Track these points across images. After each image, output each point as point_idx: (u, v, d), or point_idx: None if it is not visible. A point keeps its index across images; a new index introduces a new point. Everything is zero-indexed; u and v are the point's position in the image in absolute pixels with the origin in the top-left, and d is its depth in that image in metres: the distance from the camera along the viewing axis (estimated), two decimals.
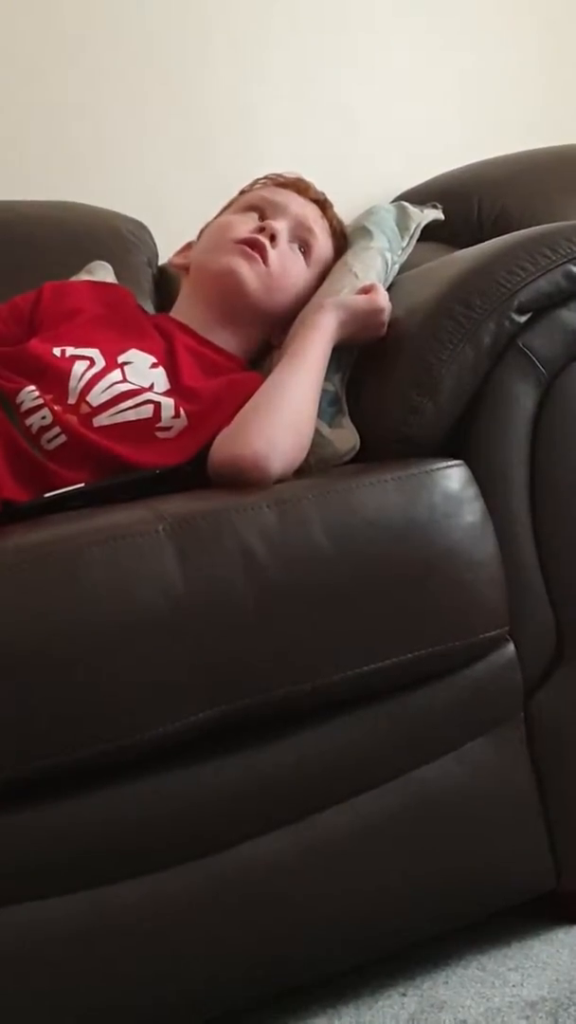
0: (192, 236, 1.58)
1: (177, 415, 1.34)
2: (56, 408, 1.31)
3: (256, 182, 1.58)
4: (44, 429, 1.30)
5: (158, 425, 1.33)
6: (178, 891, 1.10)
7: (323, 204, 1.56)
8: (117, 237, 1.78)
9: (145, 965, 1.09)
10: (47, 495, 1.25)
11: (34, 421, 1.31)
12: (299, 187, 1.55)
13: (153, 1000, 1.10)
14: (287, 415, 1.29)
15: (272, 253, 1.46)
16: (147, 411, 1.34)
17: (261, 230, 1.47)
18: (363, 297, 1.38)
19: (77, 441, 1.29)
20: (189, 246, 1.58)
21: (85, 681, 1.03)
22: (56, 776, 1.05)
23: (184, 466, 1.30)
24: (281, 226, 1.48)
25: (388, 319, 1.36)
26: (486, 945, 1.28)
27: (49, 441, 1.30)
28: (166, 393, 1.37)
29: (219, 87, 2.06)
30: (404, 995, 1.22)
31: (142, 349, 1.42)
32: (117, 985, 1.09)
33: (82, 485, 1.26)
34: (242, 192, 1.59)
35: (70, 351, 1.38)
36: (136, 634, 1.05)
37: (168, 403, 1.34)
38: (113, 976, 1.08)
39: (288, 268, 1.48)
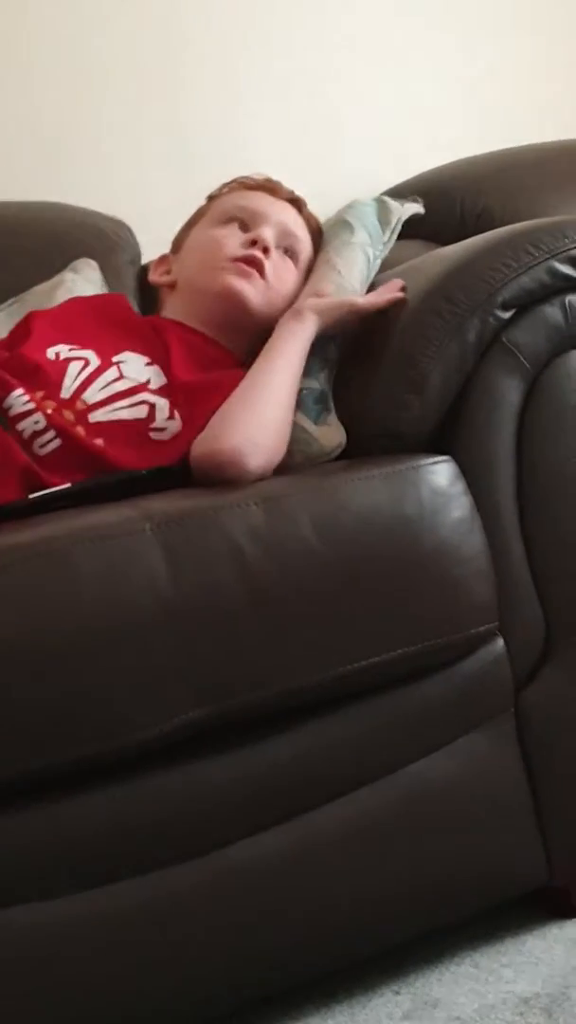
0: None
1: (171, 416, 1.34)
2: (49, 411, 1.30)
3: (223, 187, 1.57)
4: (37, 434, 1.29)
5: (152, 426, 1.33)
6: (173, 891, 1.10)
7: (297, 203, 1.55)
8: (100, 237, 1.77)
9: (139, 966, 1.09)
10: (31, 495, 1.24)
11: (26, 426, 1.30)
12: (271, 188, 1.54)
13: (151, 1000, 1.10)
14: (266, 411, 1.29)
15: (268, 265, 1.46)
16: (142, 411, 1.33)
17: (253, 243, 1.46)
18: (338, 300, 1.40)
19: (72, 444, 1.28)
20: (165, 260, 1.57)
21: (75, 681, 1.03)
22: (51, 776, 1.04)
23: (172, 467, 1.29)
24: (269, 235, 1.48)
25: (367, 305, 1.37)
26: (479, 942, 1.27)
27: (42, 447, 1.29)
28: (161, 391, 1.36)
29: (202, 85, 2.05)
30: (398, 993, 1.21)
31: (136, 351, 1.41)
32: (116, 984, 1.08)
33: (68, 486, 1.26)
34: (211, 198, 1.57)
35: (64, 353, 1.37)
36: (125, 633, 1.05)
37: (163, 404, 1.34)
38: (112, 975, 1.08)
39: (283, 277, 1.48)
